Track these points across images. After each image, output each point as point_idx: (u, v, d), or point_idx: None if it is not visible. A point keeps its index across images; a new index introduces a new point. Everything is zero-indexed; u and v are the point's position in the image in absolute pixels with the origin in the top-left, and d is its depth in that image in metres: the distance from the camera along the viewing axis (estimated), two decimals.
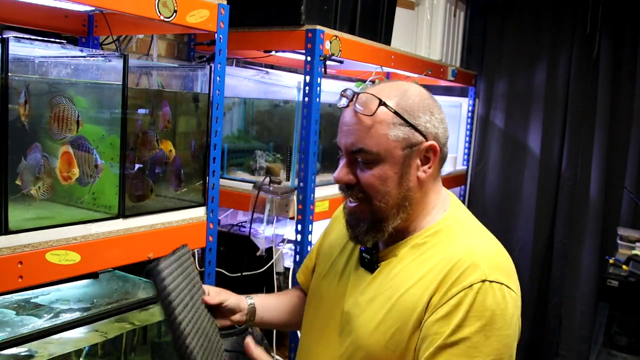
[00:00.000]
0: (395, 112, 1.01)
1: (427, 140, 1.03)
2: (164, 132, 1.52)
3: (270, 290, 2.08)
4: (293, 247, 2.00)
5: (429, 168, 1.05)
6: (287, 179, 2.06)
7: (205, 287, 1.19)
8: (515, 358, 0.97)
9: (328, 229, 1.33)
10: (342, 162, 1.05)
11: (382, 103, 1.01)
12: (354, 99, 1.02)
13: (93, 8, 1.49)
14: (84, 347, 1.42)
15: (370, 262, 1.09)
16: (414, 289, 1.00)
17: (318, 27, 1.86)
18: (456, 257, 0.98)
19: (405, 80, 2.83)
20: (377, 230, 1.05)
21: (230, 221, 2.39)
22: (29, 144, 1.19)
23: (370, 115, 1.00)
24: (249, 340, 1.06)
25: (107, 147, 1.36)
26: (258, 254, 2.00)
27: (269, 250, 2.02)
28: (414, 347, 0.97)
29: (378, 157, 1.01)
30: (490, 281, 0.94)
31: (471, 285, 0.93)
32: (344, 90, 1.05)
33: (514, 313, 0.95)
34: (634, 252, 2.61)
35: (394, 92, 1.04)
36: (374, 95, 1.01)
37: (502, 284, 0.95)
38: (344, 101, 1.04)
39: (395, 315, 1.00)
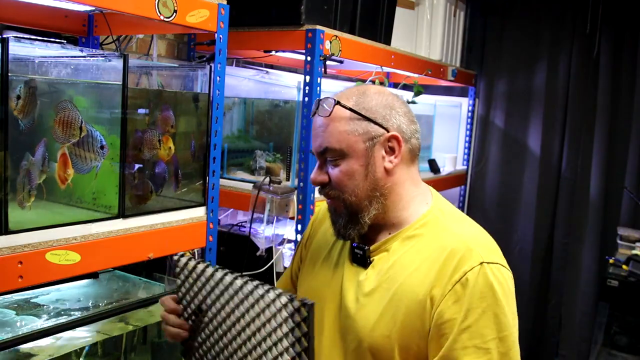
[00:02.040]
0: (351, 109, 1.08)
1: (388, 131, 1.09)
2: (169, 134, 1.52)
3: None
4: (293, 247, 1.99)
5: (395, 158, 1.10)
6: (287, 179, 2.06)
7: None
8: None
9: (310, 233, 1.33)
10: (316, 165, 1.13)
11: (336, 102, 1.08)
12: (319, 105, 1.11)
13: (93, 8, 1.49)
14: (84, 347, 1.42)
15: (363, 257, 1.12)
16: (411, 278, 1.04)
17: (318, 27, 1.86)
18: (449, 246, 1.03)
19: (405, 80, 2.84)
20: (355, 223, 1.10)
21: (230, 221, 2.39)
22: (21, 141, 1.19)
23: (328, 116, 1.08)
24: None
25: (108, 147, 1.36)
26: (258, 254, 2.00)
27: (269, 250, 2.02)
28: (417, 334, 1.01)
29: (342, 153, 1.08)
30: (488, 262, 1.00)
31: (472, 269, 0.99)
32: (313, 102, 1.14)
33: (512, 289, 1.02)
34: (634, 252, 2.61)
35: (353, 93, 1.12)
36: (332, 98, 1.10)
37: (498, 263, 1.02)
38: (313, 109, 1.13)
39: (395, 305, 1.03)
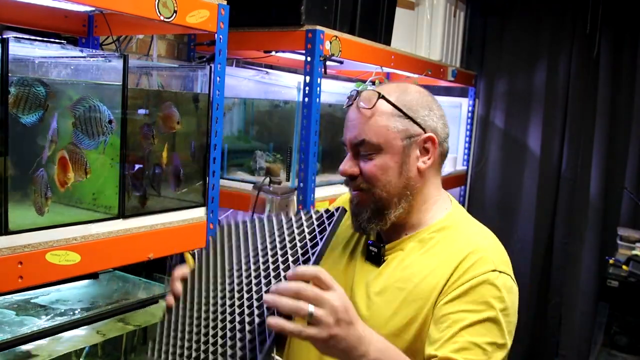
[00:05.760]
0: (394, 105, 1.08)
1: (425, 132, 1.10)
2: (170, 135, 1.52)
3: None
4: None
5: (429, 159, 1.11)
6: (287, 179, 2.06)
7: None
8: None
9: None
10: (347, 156, 1.12)
11: (381, 96, 1.08)
12: (357, 97, 1.10)
13: (93, 8, 1.49)
14: (84, 347, 1.42)
15: (377, 255, 1.12)
16: (427, 279, 1.04)
17: (318, 27, 1.86)
18: (467, 250, 1.04)
19: (406, 80, 2.84)
20: (380, 219, 1.09)
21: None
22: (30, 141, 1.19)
23: (371, 108, 1.07)
24: None
25: (107, 147, 1.36)
26: None
27: None
28: (426, 330, 1.02)
29: (379, 147, 1.07)
30: (500, 272, 1.02)
31: (484, 273, 1.00)
32: (350, 93, 1.13)
33: (516, 303, 1.04)
34: (634, 252, 2.61)
35: (395, 89, 1.12)
36: (375, 91, 1.09)
37: (508, 275, 1.04)
38: (348, 100, 1.12)
39: (409, 305, 1.04)
